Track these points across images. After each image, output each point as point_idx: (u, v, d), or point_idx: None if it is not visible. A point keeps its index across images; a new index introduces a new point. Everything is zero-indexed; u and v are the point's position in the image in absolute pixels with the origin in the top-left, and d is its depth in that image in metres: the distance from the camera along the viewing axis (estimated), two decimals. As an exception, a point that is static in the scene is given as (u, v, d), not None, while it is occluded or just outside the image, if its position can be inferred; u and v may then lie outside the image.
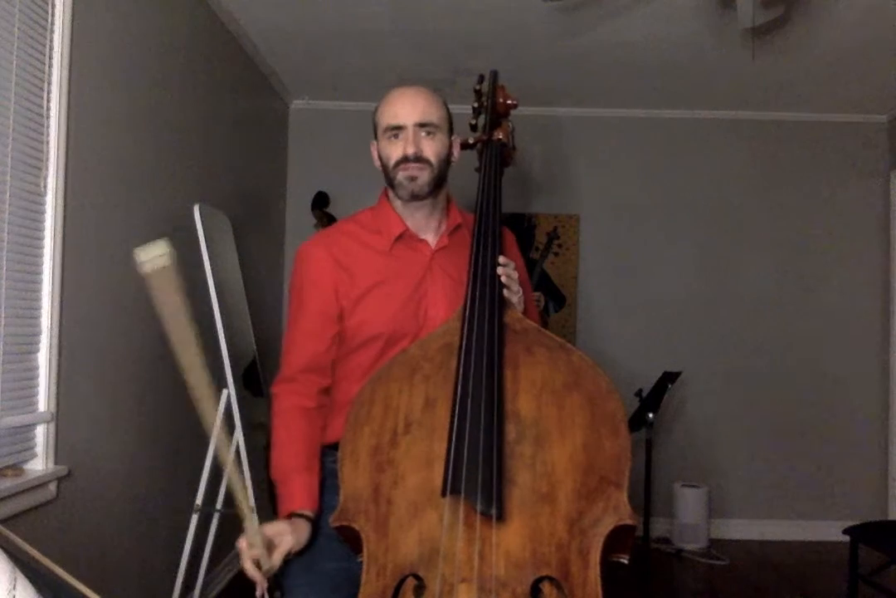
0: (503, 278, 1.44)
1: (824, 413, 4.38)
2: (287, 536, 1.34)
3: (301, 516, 1.40)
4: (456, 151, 1.61)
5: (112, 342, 2.31)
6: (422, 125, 1.51)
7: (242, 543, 1.29)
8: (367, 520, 1.25)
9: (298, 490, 1.44)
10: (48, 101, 1.97)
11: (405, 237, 1.59)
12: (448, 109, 1.59)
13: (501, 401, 1.27)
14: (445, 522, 1.18)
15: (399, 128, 1.51)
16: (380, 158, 1.58)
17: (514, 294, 1.46)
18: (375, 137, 1.59)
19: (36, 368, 1.97)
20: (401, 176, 1.53)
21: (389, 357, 1.48)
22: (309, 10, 3.15)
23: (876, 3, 2.99)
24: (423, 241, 1.60)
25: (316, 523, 1.43)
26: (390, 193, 1.62)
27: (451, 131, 1.58)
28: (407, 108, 1.52)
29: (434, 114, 1.53)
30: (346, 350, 1.57)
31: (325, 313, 1.56)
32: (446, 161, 1.57)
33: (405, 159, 1.51)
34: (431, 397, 1.32)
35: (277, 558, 1.31)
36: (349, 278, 1.54)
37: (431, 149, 1.52)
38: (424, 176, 1.52)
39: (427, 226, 1.60)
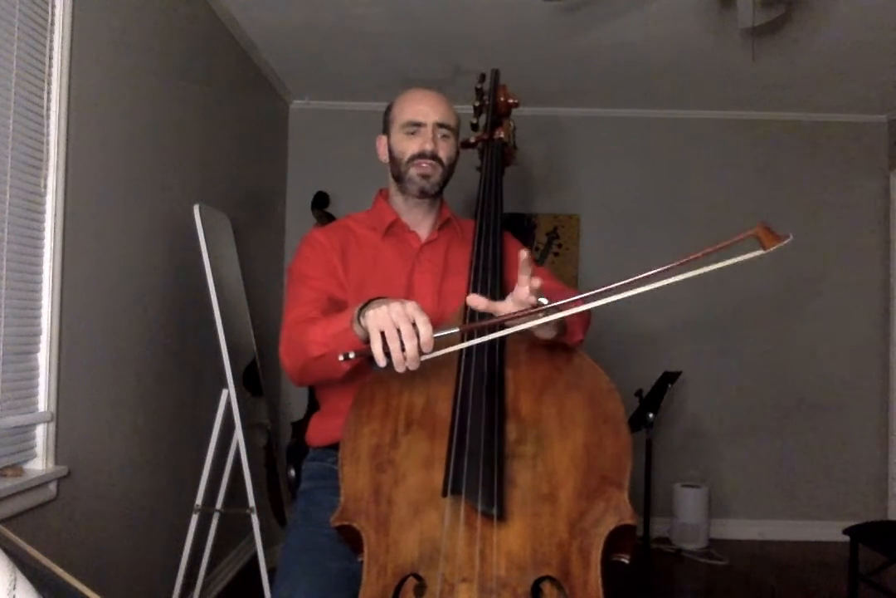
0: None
1: (824, 413, 4.38)
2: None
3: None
4: (457, 157, 1.67)
5: (112, 342, 2.31)
6: (440, 126, 1.58)
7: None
8: (367, 520, 1.25)
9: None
10: (48, 101, 1.96)
11: (396, 227, 1.64)
12: (459, 120, 1.66)
13: (502, 401, 1.27)
14: (446, 522, 1.18)
15: (419, 125, 1.58)
16: (390, 151, 1.62)
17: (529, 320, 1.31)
18: (385, 133, 1.64)
19: (36, 368, 1.96)
20: (413, 172, 1.58)
21: None
22: (309, 10, 3.15)
23: (875, 3, 2.98)
24: (412, 232, 1.65)
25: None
26: (391, 190, 1.67)
27: (458, 141, 1.66)
28: (430, 107, 1.58)
29: (452, 118, 1.61)
30: None
31: (327, 279, 1.55)
32: (453, 165, 1.63)
33: (422, 155, 1.57)
34: (432, 397, 1.32)
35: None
36: (344, 266, 1.58)
37: (445, 151, 1.59)
38: (437, 175, 1.59)
39: (422, 221, 1.66)
